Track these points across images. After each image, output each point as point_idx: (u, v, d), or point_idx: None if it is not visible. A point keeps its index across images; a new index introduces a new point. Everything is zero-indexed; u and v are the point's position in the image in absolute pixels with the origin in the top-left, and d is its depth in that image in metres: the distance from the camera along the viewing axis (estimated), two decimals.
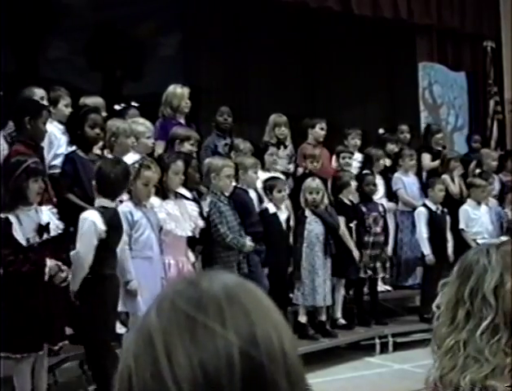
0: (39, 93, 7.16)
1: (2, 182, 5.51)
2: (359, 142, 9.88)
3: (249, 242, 7.18)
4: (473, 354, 1.65)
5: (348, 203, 8.60)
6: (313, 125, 9.42)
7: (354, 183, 8.65)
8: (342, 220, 8.39)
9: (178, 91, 8.28)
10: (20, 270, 5.34)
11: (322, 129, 9.44)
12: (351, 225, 8.50)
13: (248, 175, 7.67)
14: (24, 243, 5.40)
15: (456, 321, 1.72)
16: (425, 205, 9.04)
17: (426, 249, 8.86)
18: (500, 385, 1.59)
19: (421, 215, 9.00)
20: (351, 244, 8.38)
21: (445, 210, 9.04)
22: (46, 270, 5.42)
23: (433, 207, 8.98)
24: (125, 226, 6.20)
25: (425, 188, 9.53)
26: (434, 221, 8.93)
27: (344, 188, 8.60)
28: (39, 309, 5.45)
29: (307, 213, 8.16)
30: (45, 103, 7.03)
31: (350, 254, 8.35)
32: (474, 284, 1.71)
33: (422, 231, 8.93)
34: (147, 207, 6.40)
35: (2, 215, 5.39)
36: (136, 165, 6.32)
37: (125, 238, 6.20)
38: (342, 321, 8.52)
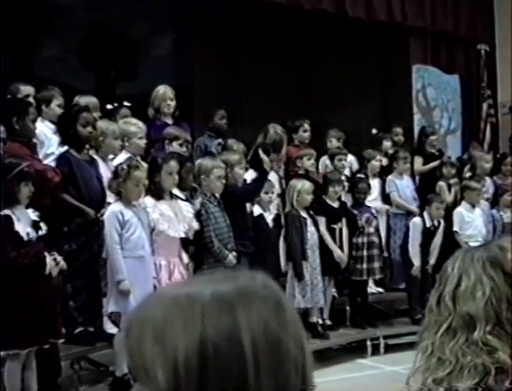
0: (25, 90, 7.14)
1: None
2: (336, 144, 9.82)
3: (231, 256, 7.13)
4: (438, 355, 1.69)
5: (331, 203, 8.54)
6: (295, 129, 9.39)
7: (333, 189, 8.58)
8: (322, 220, 8.37)
9: (160, 92, 8.29)
10: (23, 263, 5.39)
11: (305, 131, 9.42)
12: (335, 226, 8.45)
13: (235, 172, 7.60)
14: (25, 237, 5.48)
15: (429, 324, 1.76)
16: (421, 216, 9.01)
17: (416, 261, 8.85)
18: (461, 385, 1.62)
19: (416, 226, 8.98)
20: (332, 245, 8.37)
21: (441, 223, 9.00)
22: (48, 260, 5.47)
23: (428, 222, 8.94)
24: (116, 226, 6.20)
25: (419, 191, 9.54)
26: (425, 234, 8.92)
27: (325, 190, 8.55)
28: (42, 303, 5.51)
29: (305, 214, 8.15)
30: (31, 100, 7.02)
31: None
32: (441, 289, 1.75)
33: (415, 242, 8.91)
34: (138, 206, 6.40)
35: (2, 212, 5.44)
36: (124, 167, 6.31)
37: (115, 237, 6.20)
38: (328, 321, 8.50)
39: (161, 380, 1.05)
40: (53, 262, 5.57)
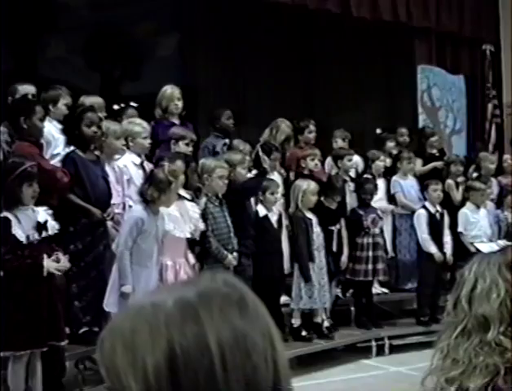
0: (22, 90, 7.14)
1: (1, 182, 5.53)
2: (341, 144, 9.82)
3: (231, 257, 7.10)
4: (453, 356, 1.70)
5: (328, 205, 8.50)
6: (301, 131, 9.37)
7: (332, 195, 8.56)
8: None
9: (168, 92, 8.26)
10: (17, 266, 5.34)
11: (311, 132, 9.41)
12: (332, 228, 8.41)
13: (237, 172, 7.57)
14: (23, 240, 5.44)
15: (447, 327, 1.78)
16: (424, 207, 9.03)
17: (432, 248, 8.83)
18: (471, 385, 1.63)
19: (420, 217, 8.98)
20: None
21: (444, 211, 9.02)
22: (44, 263, 5.42)
23: (432, 209, 8.97)
24: (133, 232, 6.20)
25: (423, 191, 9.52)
26: (432, 224, 8.92)
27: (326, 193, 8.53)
28: (41, 305, 5.47)
29: (310, 215, 8.12)
30: (29, 97, 7.03)
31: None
32: (458, 293, 1.77)
33: (423, 232, 8.91)
34: (159, 214, 6.37)
35: (1, 214, 5.40)
36: (170, 178, 6.27)
37: (129, 243, 6.19)
38: (329, 321, 8.48)
39: (134, 389, 1.08)
40: (53, 263, 5.53)
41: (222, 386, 1.06)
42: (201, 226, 6.82)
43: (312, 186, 8.14)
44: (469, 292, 1.73)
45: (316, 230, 8.14)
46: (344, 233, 8.52)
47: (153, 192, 6.23)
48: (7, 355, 5.42)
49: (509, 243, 8.08)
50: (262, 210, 7.81)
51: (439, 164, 10.08)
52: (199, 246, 7.05)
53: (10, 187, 5.45)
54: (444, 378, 1.68)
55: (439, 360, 1.74)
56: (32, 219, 5.54)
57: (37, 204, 5.64)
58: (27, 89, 7.20)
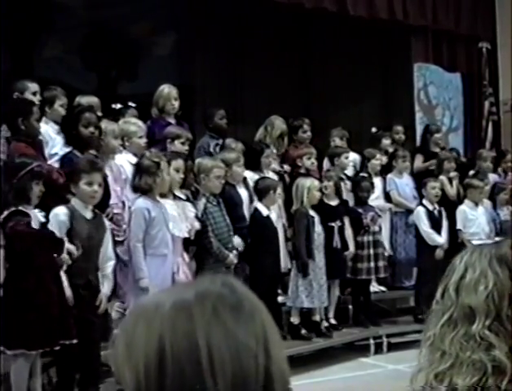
0: (32, 87, 7.14)
1: (4, 180, 5.53)
2: (339, 143, 9.83)
3: (232, 256, 7.12)
4: (440, 347, 1.67)
5: (327, 201, 8.50)
6: (295, 131, 9.37)
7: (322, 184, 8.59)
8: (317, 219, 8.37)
9: (165, 91, 8.26)
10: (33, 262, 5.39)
11: (305, 132, 9.39)
12: (333, 224, 8.41)
13: (233, 171, 7.59)
14: None
15: (434, 315, 1.76)
16: (422, 205, 9.07)
17: (438, 238, 8.90)
18: (460, 381, 1.59)
19: (420, 213, 9.02)
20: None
21: (442, 209, 9.05)
22: (64, 254, 5.51)
23: (430, 206, 9.00)
24: (141, 224, 6.21)
25: (419, 189, 9.53)
26: (431, 221, 8.94)
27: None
28: (52, 304, 5.47)
29: (313, 213, 8.12)
30: (38, 97, 7.03)
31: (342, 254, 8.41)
32: (447, 281, 1.76)
33: (426, 226, 8.94)
34: (161, 202, 6.39)
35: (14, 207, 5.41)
36: (155, 159, 6.33)
37: (139, 236, 6.20)
38: (333, 321, 8.50)
39: (128, 383, 1.12)
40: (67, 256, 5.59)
41: (208, 383, 1.09)
42: (197, 225, 6.83)
43: (315, 182, 8.19)
44: (457, 281, 1.71)
45: (318, 229, 8.14)
46: (349, 230, 8.52)
47: (147, 179, 6.29)
48: (18, 353, 5.40)
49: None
50: (264, 210, 7.81)
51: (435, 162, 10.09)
52: (194, 245, 7.05)
53: (20, 184, 5.47)
54: (434, 373, 1.65)
55: (425, 352, 1.71)
56: (36, 219, 5.56)
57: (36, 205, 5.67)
58: (35, 86, 7.20)
